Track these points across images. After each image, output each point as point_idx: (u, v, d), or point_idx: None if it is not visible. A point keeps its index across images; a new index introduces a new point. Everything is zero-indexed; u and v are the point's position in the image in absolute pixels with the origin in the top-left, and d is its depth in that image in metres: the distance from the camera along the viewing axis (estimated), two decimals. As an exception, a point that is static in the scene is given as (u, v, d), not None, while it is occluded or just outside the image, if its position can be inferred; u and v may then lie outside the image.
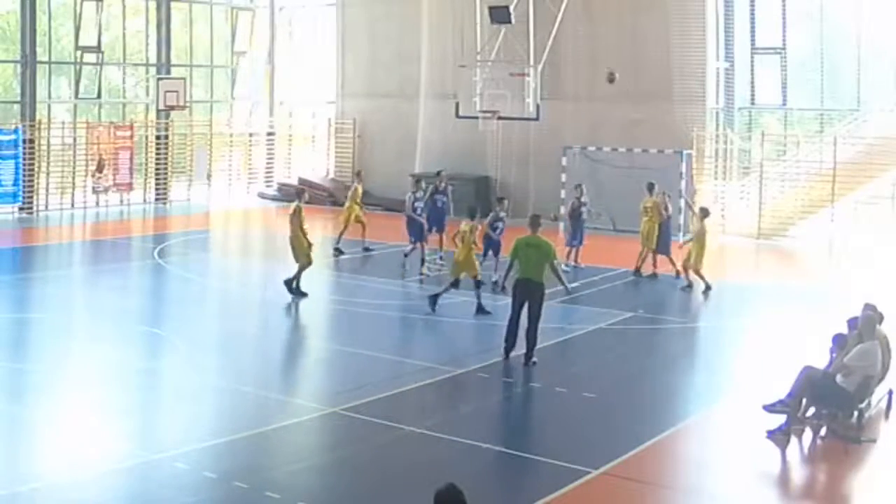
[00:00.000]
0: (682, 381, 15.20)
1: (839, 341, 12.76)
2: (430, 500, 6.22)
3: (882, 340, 12.65)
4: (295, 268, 19.09)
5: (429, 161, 32.93)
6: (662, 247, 22.26)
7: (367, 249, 24.45)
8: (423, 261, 22.00)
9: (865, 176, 26.83)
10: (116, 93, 34.17)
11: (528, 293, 14.87)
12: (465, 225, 18.81)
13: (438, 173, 24.46)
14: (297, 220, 19.15)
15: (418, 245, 22.07)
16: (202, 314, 18.92)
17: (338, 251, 23.97)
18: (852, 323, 12.87)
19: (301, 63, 37.81)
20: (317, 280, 22.59)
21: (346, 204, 24.50)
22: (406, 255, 22.38)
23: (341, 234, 24.26)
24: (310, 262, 19.18)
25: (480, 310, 17.87)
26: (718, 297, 20.50)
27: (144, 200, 32.88)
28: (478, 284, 18.06)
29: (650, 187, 22.57)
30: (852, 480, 11.41)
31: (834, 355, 12.67)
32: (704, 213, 21.33)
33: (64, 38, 32.59)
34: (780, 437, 11.77)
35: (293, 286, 18.97)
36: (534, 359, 14.78)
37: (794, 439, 11.84)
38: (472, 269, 18.12)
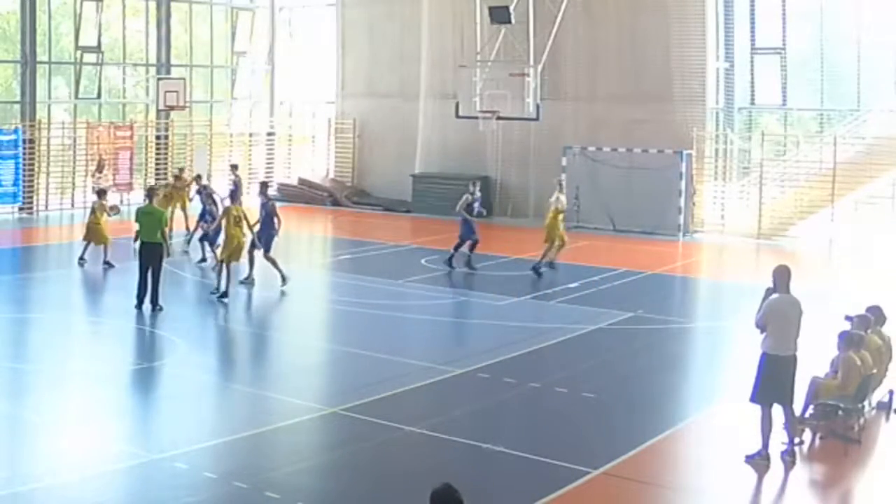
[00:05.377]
0: (681, 381, 15.19)
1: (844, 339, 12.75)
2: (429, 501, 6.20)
3: (885, 341, 12.77)
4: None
5: (429, 161, 32.94)
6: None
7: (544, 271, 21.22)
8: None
9: (865, 176, 26.81)
10: (116, 93, 34.13)
11: None
12: None
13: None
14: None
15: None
16: (202, 314, 18.90)
17: (537, 272, 21.29)
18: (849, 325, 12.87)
19: (301, 63, 37.79)
20: (317, 280, 22.63)
21: (549, 217, 21.52)
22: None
23: (546, 253, 21.52)
24: None
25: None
26: (719, 297, 20.49)
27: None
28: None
29: None
30: (852, 480, 11.40)
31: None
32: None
33: (64, 38, 32.57)
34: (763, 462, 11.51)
35: None
36: None
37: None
38: None
